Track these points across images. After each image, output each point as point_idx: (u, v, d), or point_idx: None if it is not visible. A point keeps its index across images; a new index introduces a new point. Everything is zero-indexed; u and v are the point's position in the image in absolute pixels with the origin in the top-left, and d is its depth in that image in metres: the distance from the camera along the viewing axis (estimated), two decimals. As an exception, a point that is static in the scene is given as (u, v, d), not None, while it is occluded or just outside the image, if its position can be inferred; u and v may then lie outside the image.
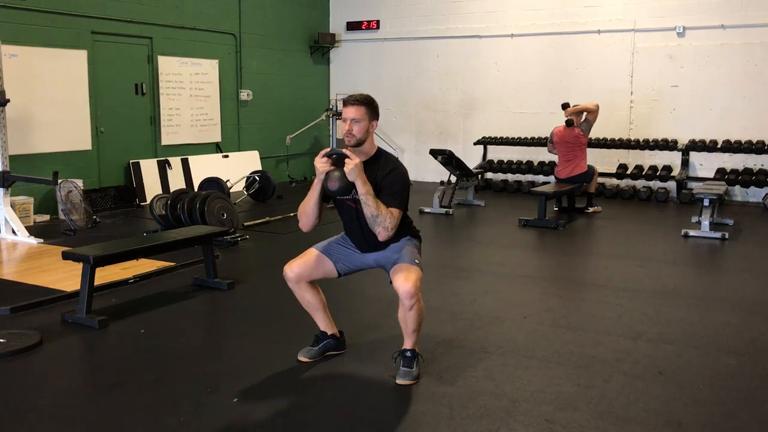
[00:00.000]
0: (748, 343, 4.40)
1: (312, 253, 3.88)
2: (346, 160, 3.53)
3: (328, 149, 3.68)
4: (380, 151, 3.75)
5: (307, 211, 3.75)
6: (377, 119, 3.71)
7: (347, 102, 3.66)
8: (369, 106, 3.65)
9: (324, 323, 4.03)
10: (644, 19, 10.67)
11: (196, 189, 9.31)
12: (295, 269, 3.83)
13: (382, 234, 3.57)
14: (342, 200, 3.73)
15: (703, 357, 4.15)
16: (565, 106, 9.07)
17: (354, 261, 3.89)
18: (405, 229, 3.80)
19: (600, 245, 7.87)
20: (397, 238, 3.74)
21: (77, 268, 4.78)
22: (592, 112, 8.94)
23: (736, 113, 10.20)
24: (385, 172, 3.64)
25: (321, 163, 3.61)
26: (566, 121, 8.99)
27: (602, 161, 10.68)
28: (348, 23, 13.14)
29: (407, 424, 3.28)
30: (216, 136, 11.16)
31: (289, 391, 3.66)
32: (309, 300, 3.94)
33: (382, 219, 3.53)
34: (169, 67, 10.22)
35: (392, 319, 3.92)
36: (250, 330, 4.67)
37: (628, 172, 10.71)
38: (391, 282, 3.66)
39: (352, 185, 3.54)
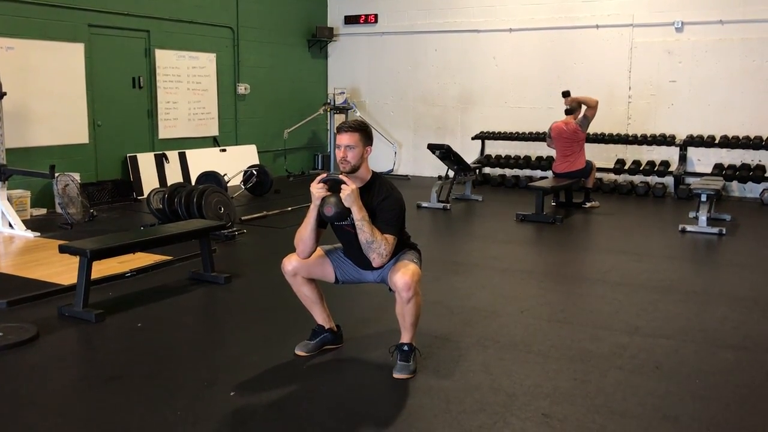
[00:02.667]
0: (745, 338, 4.41)
1: (316, 251, 3.87)
2: (343, 186, 3.54)
3: (324, 175, 3.69)
4: (375, 176, 3.76)
5: (304, 238, 3.74)
6: (371, 144, 3.72)
7: (341, 129, 3.67)
8: (363, 132, 3.67)
9: (321, 317, 4.03)
10: (642, 14, 10.66)
11: (193, 183, 9.29)
12: (293, 263, 3.83)
13: (376, 261, 3.58)
14: (340, 225, 3.74)
15: (700, 352, 4.15)
16: (566, 94, 9.04)
17: (354, 274, 3.90)
18: (402, 245, 3.81)
19: (597, 240, 7.88)
20: (395, 252, 3.74)
21: (74, 261, 4.78)
22: (591, 108, 8.93)
23: (734, 109, 10.19)
24: (381, 198, 3.66)
25: (317, 189, 3.61)
26: (566, 110, 8.97)
27: (600, 156, 10.67)
28: (346, 17, 13.10)
29: (404, 418, 3.28)
30: (213, 130, 11.14)
31: (286, 384, 3.65)
32: (306, 293, 3.94)
33: (377, 246, 3.54)
34: (166, 60, 10.20)
35: (389, 313, 3.92)
36: (247, 324, 4.67)
37: (626, 167, 10.71)
38: (390, 290, 3.68)
39: (348, 211, 3.55)
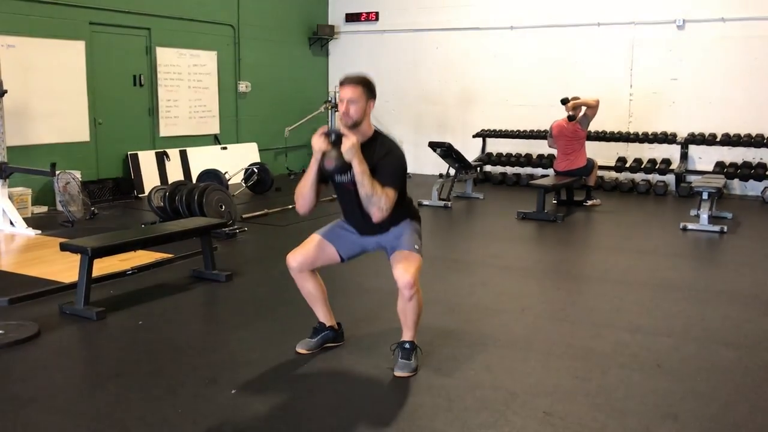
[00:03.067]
0: (746, 336, 4.40)
1: (314, 239, 3.86)
2: (344, 139, 3.50)
3: (326, 128, 3.65)
4: (377, 133, 3.72)
5: (304, 192, 3.71)
6: (374, 99, 3.66)
7: (344, 82, 3.62)
8: (366, 86, 3.61)
9: (323, 314, 4.03)
10: (644, 12, 10.65)
11: (194, 181, 9.29)
12: (298, 258, 3.82)
13: (376, 215, 3.52)
14: (341, 183, 3.70)
15: (702, 350, 4.15)
16: (564, 101, 9.04)
17: (355, 244, 3.86)
18: (405, 210, 3.78)
19: (598, 238, 7.87)
20: (397, 220, 3.72)
21: (75, 259, 4.78)
22: (592, 108, 8.91)
23: (736, 107, 10.18)
24: (382, 153, 3.61)
25: (318, 142, 3.58)
26: (569, 117, 8.96)
27: (601, 154, 10.65)
28: (347, 15, 13.09)
29: (405, 416, 3.28)
30: (214, 128, 11.13)
31: (287, 382, 3.65)
32: (310, 290, 3.93)
33: (377, 199, 3.49)
34: (167, 58, 10.19)
35: (391, 311, 3.91)
36: (248, 322, 4.67)
37: (627, 165, 10.70)
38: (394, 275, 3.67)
39: (349, 165, 3.51)
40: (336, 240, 3.85)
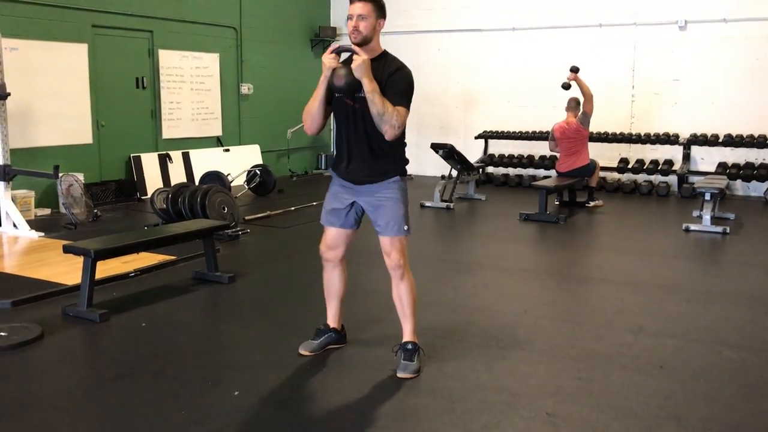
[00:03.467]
0: (749, 337, 4.40)
1: (327, 230, 3.87)
2: (354, 57, 3.48)
3: (337, 45, 3.61)
4: (386, 52, 3.68)
5: (312, 112, 3.68)
6: (384, 18, 3.62)
7: None
8: (376, 3, 3.57)
9: (333, 313, 4.04)
10: (645, 13, 10.65)
11: (197, 183, 9.30)
12: (329, 244, 3.86)
13: (389, 133, 3.49)
14: (341, 100, 3.64)
15: (704, 351, 4.15)
16: (574, 69, 8.88)
17: (351, 213, 3.80)
18: (397, 157, 3.73)
19: (601, 239, 7.87)
20: (386, 169, 3.67)
21: (78, 261, 4.79)
22: (587, 101, 8.84)
23: (738, 107, 10.18)
24: (391, 70, 3.57)
25: (329, 59, 3.54)
26: (563, 84, 8.88)
27: (603, 155, 10.66)
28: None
29: (408, 418, 3.28)
30: (217, 130, 11.15)
31: (289, 384, 3.66)
32: (334, 281, 3.95)
33: (389, 117, 3.45)
34: (169, 60, 10.21)
35: (393, 312, 3.92)
36: (250, 323, 4.67)
37: (630, 166, 10.70)
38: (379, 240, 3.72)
39: (359, 83, 3.47)
40: (336, 222, 3.82)
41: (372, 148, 3.63)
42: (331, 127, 12.76)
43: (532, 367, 3.87)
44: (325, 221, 3.88)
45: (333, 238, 3.86)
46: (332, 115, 3.78)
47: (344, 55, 3.60)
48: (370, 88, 3.44)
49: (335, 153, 3.85)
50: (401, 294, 3.72)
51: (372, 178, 3.68)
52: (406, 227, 3.67)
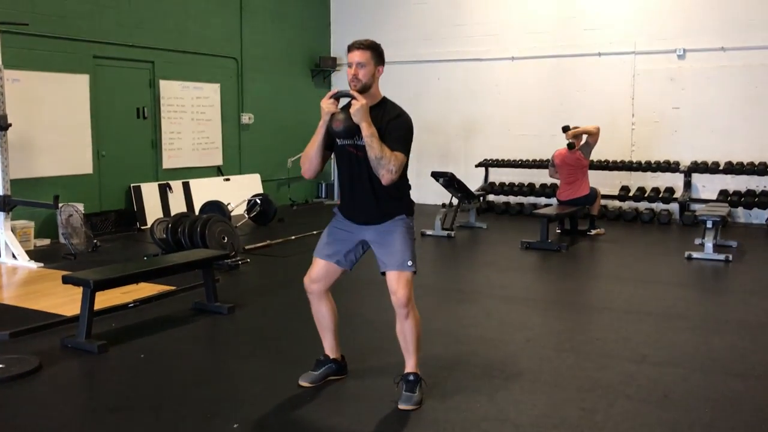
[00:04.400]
0: (754, 366, 4.36)
1: (317, 261, 3.84)
2: (352, 101, 3.48)
3: (335, 90, 3.63)
4: (386, 99, 3.69)
5: (310, 155, 3.68)
6: (383, 65, 3.64)
7: (352, 47, 3.60)
8: (375, 50, 3.60)
9: (330, 344, 3.99)
10: (645, 42, 10.72)
11: (197, 212, 9.29)
12: (313, 277, 3.82)
13: (385, 177, 3.48)
14: (343, 147, 3.65)
15: (709, 380, 4.10)
16: (565, 129, 9.08)
17: (351, 249, 3.79)
18: (403, 196, 3.72)
19: (603, 268, 7.84)
20: (392, 208, 3.67)
21: (77, 292, 4.76)
22: (593, 135, 8.93)
23: (738, 135, 10.20)
24: (391, 117, 3.58)
25: (327, 104, 3.56)
26: (568, 144, 8.99)
27: (604, 183, 10.66)
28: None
29: (410, 450, 3.23)
30: (217, 160, 11.17)
31: (290, 416, 3.61)
32: (324, 314, 3.90)
33: (386, 161, 3.45)
34: (170, 90, 10.26)
35: (394, 343, 3.87)
36: (250, 354, 4.63)
37: (631, 194, 10.70)
38: (383, 273, 3.65)
39: (357, 127, 3.48)
40: (333, 255, 3.80)
41: (376, 194, 3.62)
42: (330, 157, 12.83)
43: (535, 398, 3.82)
44: (320, 254, 3.85)
45: (323, 272, 3.82)
46: (333, 157, 3.79)
47: (343, 100, 3.61)
48: (368, 132, 3.45)
49: (339, 195, 3.85)
50: (405, 331, 3.66)
51: (377, 220, 3.68)
52: (410, 263, 3.62)
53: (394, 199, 3.67)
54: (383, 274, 3.65)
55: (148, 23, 9.89)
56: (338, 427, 3.49)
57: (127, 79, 9.71)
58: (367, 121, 3.46)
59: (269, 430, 3.44)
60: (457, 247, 8.70)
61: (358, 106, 3.45)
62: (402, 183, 3.66)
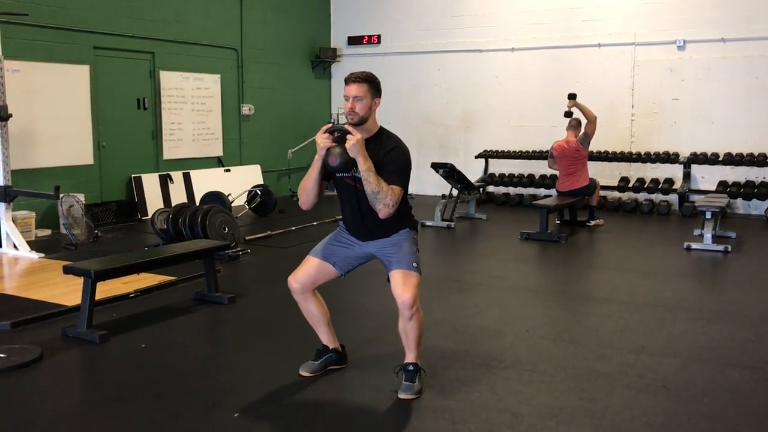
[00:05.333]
0: (752, 356, 4.38)
1: (311, 260, 3.85)
2: (348, 136, 3.49)
3: (330, 125, 3.64)
4: (382, 130, 3.71)
5: (307, 188, 3.70)
6: (380, 97, 3.65)
7: (349, 79, 3.60)
8: (371, 83, 3.61)
9: (326, 337, 4.01)
10: (644, 33, 10.71)
11: (197, 203, 9.30)
12: (299, 279, 3.81)
13: (383, 211, 3.51)
14: (341, 179, 3.68)
15: (708, 370, 4.12)
16: (572, 96, 8.95)
17: (352, 256, 3.83)
18: (405, 218, 3.75)
19: (602, 258, 7.85)
20: (396, 228, 3.70)
21: (78, 282, 4.78)
22: (590, 123, 8.91)
23: (737, 126, 10.20)
24: (387, 149, 3.60)
25: (322, 139, 3.57)
26: (565, 112, 8.95)
27: (604, 174, 10.68)
28: (349, 38, 13.19)
29: (409, 439, 3.25)
30: (218, 150, 11.17)
31: (290, 405, 3.63)
32: (313, 312, 3.92)
33: (383, 196, 3.47)
34: (170, 81, 10.25)
35: (394, 333, 3.89)
36: (251, 344, 4.65)
37: (630, 185, 10.71)
38: (388, 280, 3.65)
39: (353, 162, 3.49)
40: (332, 258, 3.83)
41: (377, 221, 3.63)
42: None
43: (534, 387, 3.84)
44: (316, 253, 3.86)
45: (312, 272, 3.81)
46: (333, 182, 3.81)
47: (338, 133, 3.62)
48: (365, 167, 3.47)
49: (342, 215, 3.88)
50: (408, 330, 3.66)
51: (382, 237, 3.72)
52: (416, 264, 3.65)
53: (396, 221, 3.69)
54: (388, 280, 3.66)
55: (148, 14, 9.87)
56: (338, 416, 3.51)
57: (128, 69, 9.70)
58: (363, 155, 3.47)
59: (270, 420, 3.46)
60: (457, 238, 8.72)
61: (354, 141, 3.46)
62: (402, 208, 3.69)
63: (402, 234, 3.73)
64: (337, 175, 3.67)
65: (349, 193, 3.70)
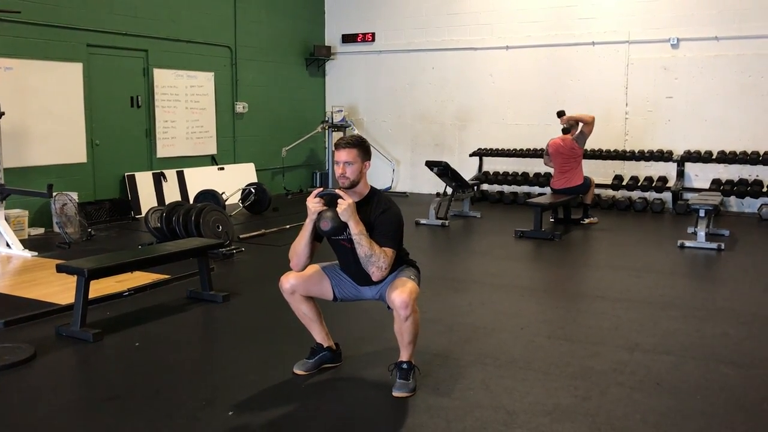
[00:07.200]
0: (746, 354, 4.39)
1: (313, 268, 3.87)
2: (339, 201, 3.52)
3: (321, 189, 3.68)
4: (373, 191, 3.77)
5: (298, 251, 3.73)
6: (369, 159, 3.72)
7: (339, 145, 3.67)
8: (361, 147, 3.67)
9: (320, 335, 4.01)
10: (638, 31, 10.72)
11: (191, 201, 9.29)
12: (291, 280, 3.82)
13: (376, 274, 3.56)
14: (337, 240, 3.73)
15: (701, 368, 4.13)
16: (560, 113, 9.10)
17: (352, 291, 3.89)
18: (400, 261, 3.79)
19: (596, 256, 7.87)
20: (394, 269, 3.73)
21: (72, 281, 4.76)
22: (588, 124, 8.95)
23: (731, 124, 10.23)
24: (378, 212, 3.65)
25: (313, 203, 3.61)
26: (563, 129, 9.02)
27: (598, 172, 10.70)
28: (343, 36, 13.17)
29: (404, 437, 3.26)
30: (211, 149, 11.15)
31: (284, 404, 3.63)
32: (305, 311, 3.93)
33: (375, 259, 3.52)
34: (164, 79, 10.23)
35: (388, 331, 3.90)
36: (245, 343, 4.65)
37: (624, 183, 10.73)
38: (389, 307, 3.67)
39: (345, 225, 3.53)
40: (335, 279, 3.88)
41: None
42: (325, 146, 12.82)
43: (528, 385, 3.85)
44: (325, 267, 3.90)
45: (310, 281, 3.84)
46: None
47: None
48: (356, 231, 3.50)
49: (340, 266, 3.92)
50: (404, 331, 3.65)
51: (380, 281, 3.75)
52: (413, 277, 3.71)
53: (394, 269, 3.71)
54: (389, 308, 3.67)
55: (142, 11, 9.85)
56: (332, 414, 3.51)
57: (121, 67, 9.68)
58: (355, 219, 3.51)
59: (264, 418, 3.45)
60: (451, 236, 8.72)
61: (345, 205, 3.49)
62: (398, 259, 3.72)
63: (398, 270, 3.76)
64: (333, 237, 3.70)
65: (345, 253, 3.76)
